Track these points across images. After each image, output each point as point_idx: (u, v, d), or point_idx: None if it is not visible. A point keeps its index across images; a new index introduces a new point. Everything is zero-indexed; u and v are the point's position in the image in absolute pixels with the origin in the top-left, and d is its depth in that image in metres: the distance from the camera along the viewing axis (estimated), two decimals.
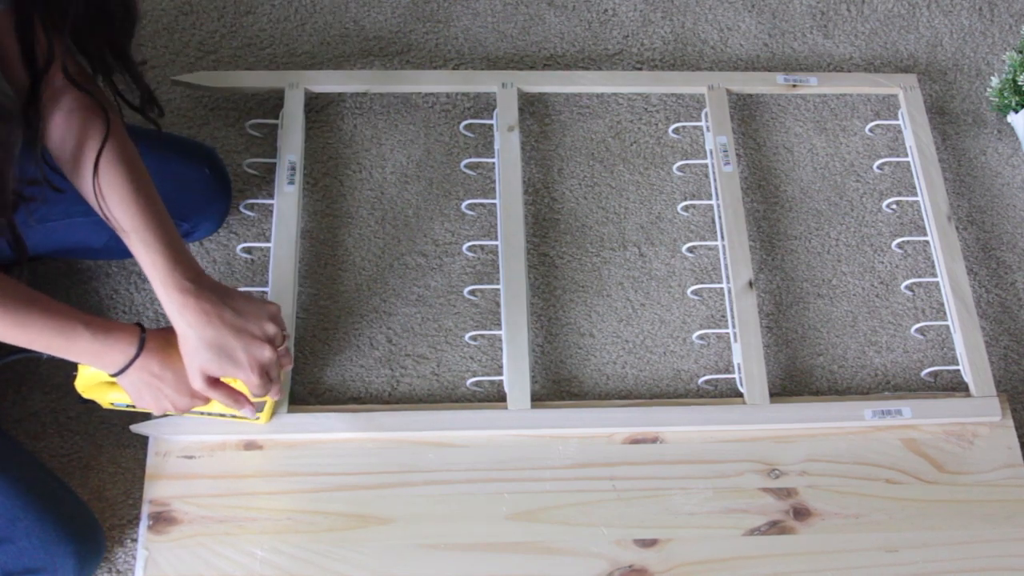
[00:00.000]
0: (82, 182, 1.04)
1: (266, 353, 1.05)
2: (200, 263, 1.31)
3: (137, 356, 1.03)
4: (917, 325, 1.40)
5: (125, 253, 1.22)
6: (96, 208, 1.04)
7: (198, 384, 1.05)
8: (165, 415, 1.19)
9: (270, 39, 1.57)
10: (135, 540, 1.18)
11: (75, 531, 1.10)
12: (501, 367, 1.30)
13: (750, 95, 1.58)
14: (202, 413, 1.17)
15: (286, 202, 1.36)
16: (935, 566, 1.20)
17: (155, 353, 1.04)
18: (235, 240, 1.38)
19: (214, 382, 1.06)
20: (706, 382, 1.34)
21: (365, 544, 1.17)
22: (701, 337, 1.37)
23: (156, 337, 1.05)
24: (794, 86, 1.55)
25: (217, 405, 1.13)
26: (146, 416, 1.20)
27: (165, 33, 1.55)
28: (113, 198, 1.03)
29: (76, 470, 1.20)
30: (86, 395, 1.13)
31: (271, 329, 1.06)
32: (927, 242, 1.44)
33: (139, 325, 1.04)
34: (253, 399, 1.11)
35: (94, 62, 1.04)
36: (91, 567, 1.12)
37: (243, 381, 1.06)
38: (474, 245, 1.41)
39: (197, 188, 1.31)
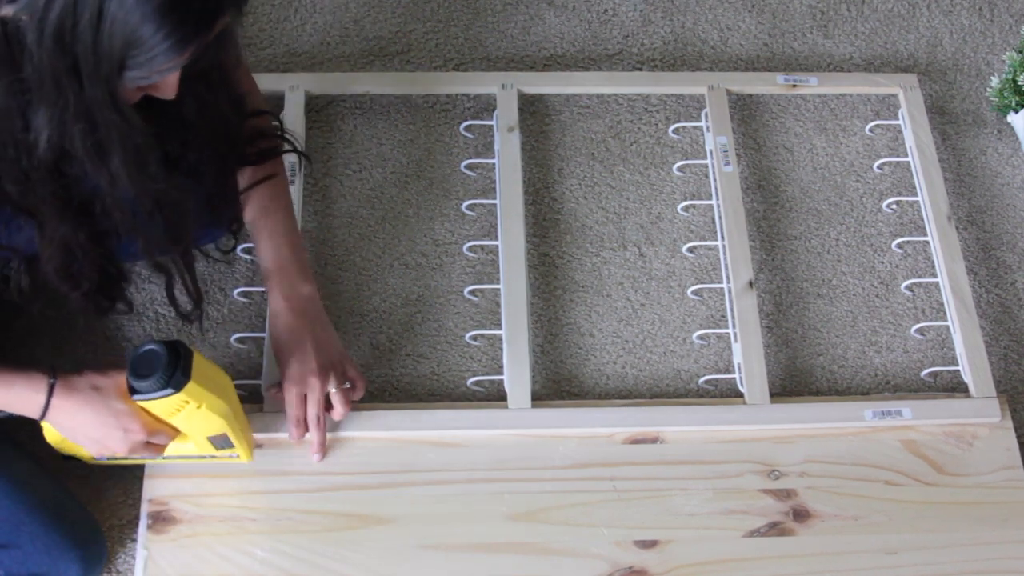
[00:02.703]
0: None
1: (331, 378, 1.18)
2: (200, 264, 1.32)
3: (49, 399, 1.03)
4: (917, 325, 1.40)
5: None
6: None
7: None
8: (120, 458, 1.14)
9: (270, 39, 1.57)
10: (135, 540, 1.18)
11: (79, 537, 1.10)
12: (501, 367, 1.30)
13: (750, 95, 1.57)
14: (182, 457, 1.15)
15: None
16: (934, 568, 1.20)
17: (70, 393, 1.03)
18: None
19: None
20: (706, 382, 1.34)
21: (365, 544, 1.17)
22: (701, 337, 1.37)
23: (70, 378, 1.04)
24: (794, 86, 1.55)
25: (196, 447, 1.11)
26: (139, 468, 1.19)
27: None
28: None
29: (75, 470, 1.20)
30: (61, 449, 1.12)
31: (343, 370, 1.20)
32: (927, 242, 1.44)
33: (51, 368, 1.04)
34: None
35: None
36: (94, 573, 1.12)
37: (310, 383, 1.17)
38: (474, 245, 1.41)
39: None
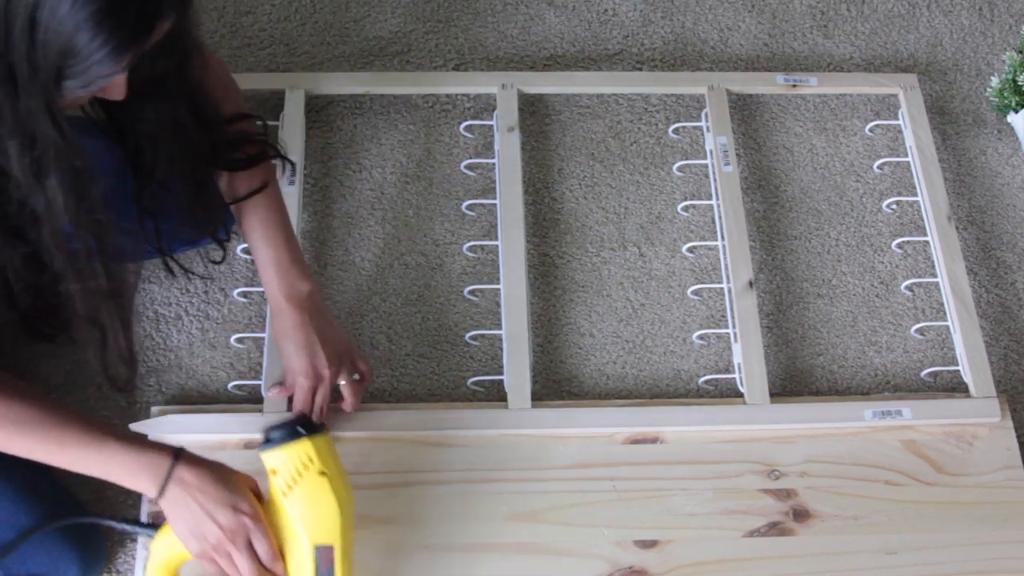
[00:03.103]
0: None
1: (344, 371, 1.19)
2: (201, 263, 1.32)
3: (174, 466, 1.01)
4: (917, 325, 1.40)
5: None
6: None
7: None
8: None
9: (270, 39, 1.57)
10: (135, 540, 1.18)
11: (79, 537, 1.10)
12: (501, 367, 1.30)
13: (750, 95, 1.57)
14: None
15: (286, 202, 1.36)
16: (934, 568, 1.20)
17: (191, 464, 1.02)
18: (235, 241, 1.38)
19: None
20: (706, 382, 1.34)
21: (365, 544, 1.17)
22: (701, 337, 1.37)
23: (188, 452, 1.05)
24: (794, 86, 1.55)
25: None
26: None
27: None
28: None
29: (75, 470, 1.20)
30: None
31: (349, 368, 1.20)
32: (927, 242, 1.44)
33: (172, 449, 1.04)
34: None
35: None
36: (94, 573, 1.12)
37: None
38: (474, 245, 1.41)
39: None
